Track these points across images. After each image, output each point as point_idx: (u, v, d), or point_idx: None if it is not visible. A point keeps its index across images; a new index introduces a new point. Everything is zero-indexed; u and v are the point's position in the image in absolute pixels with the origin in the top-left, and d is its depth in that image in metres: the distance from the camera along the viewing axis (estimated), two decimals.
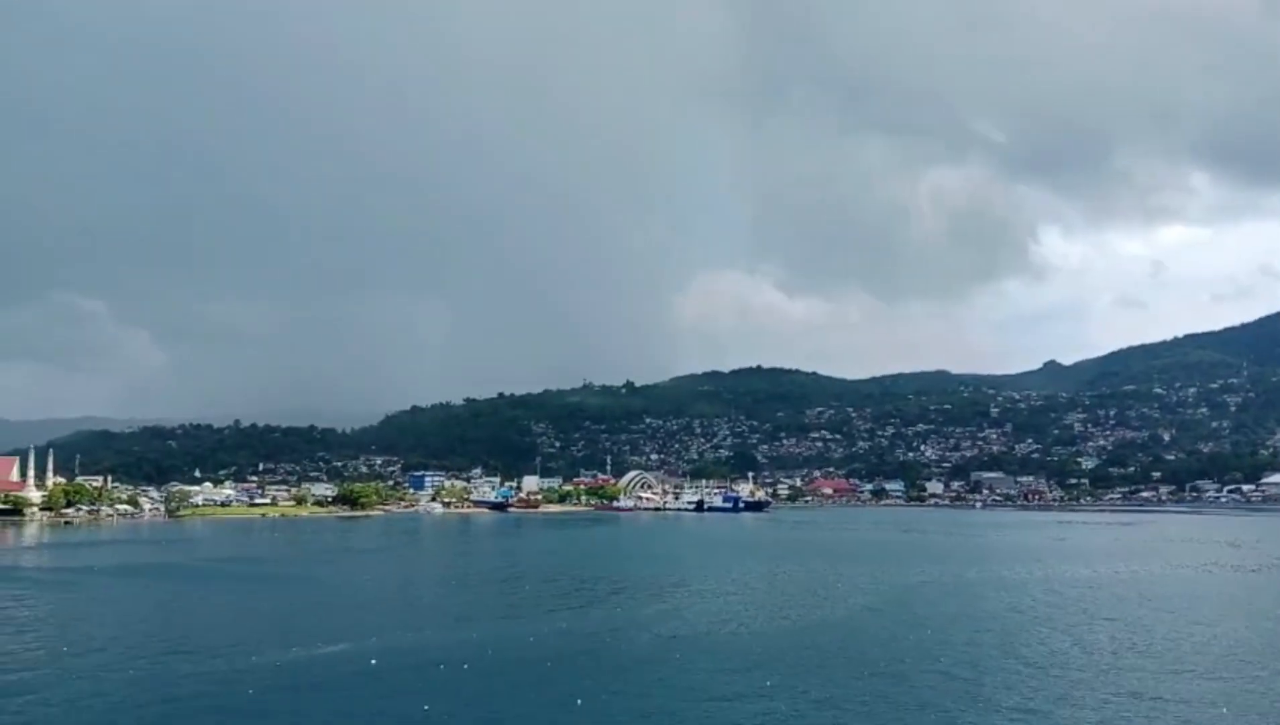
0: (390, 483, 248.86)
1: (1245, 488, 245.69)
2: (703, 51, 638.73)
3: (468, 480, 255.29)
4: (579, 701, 29.13)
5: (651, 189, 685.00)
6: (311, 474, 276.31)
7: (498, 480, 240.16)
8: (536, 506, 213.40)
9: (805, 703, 29.08)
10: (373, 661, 35.15)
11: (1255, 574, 69.33)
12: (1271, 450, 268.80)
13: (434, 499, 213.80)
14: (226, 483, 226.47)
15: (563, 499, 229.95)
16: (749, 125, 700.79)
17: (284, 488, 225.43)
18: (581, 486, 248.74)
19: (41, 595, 57.19)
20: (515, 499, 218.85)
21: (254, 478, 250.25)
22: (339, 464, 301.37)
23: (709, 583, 62.14)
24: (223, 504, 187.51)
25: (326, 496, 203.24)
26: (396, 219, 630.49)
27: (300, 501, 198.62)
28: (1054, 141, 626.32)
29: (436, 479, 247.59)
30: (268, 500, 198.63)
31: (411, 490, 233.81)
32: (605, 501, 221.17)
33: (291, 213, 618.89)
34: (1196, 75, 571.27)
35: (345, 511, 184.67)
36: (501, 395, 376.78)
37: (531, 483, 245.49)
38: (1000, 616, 46.84)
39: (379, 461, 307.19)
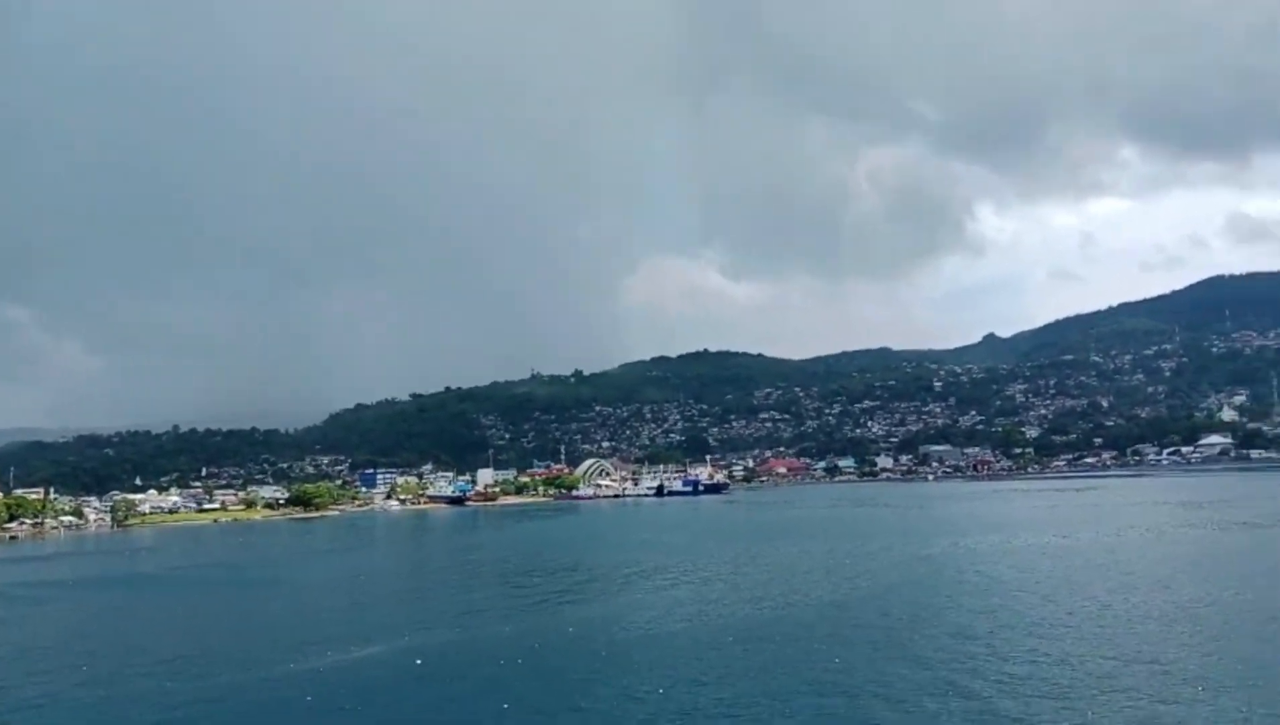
0: (339, 482, 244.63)
1: (1184, 450, 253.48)
2: (645, 39, 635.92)
3: (419, 476, 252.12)
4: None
5: (595, 177, 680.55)
6: (257, 477, 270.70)
7: (452, 474, 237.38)
8: (495, 499, 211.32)
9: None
10: (418, 661, 33.88)
11: (1225, 532, 70.83)
12: (1206, 412, 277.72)
13: (389, 496, 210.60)
14: (171, 489, 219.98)
15: (520, 490, 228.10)
16: (691, 112, 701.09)
17: (230, 492, 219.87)
18: (538, 477, 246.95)
19: (22, 611, 54.58)
20: (473, 492, 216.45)
21: (197, 483, 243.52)
22: (284, 465, 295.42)
23: (702, 567, 61.43)
24: (170, 511, 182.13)
25: (277, 498, 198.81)
26: (336, 215, 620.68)
27: (250, 504, 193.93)
28: (988, 120, 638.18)
29: (388, 476, 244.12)
30: (217, 505, 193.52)
31: (364, 488, 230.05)
32: (564, 491, 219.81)
33: (226, 212, 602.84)
34: (1125, 51, 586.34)
35: (298, 513, 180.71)
36: (449, 389, 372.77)
37: (486, 475, 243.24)
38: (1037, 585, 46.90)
39: (325, 461, 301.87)
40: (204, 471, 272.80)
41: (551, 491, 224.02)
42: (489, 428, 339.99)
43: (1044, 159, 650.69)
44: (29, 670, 37.32)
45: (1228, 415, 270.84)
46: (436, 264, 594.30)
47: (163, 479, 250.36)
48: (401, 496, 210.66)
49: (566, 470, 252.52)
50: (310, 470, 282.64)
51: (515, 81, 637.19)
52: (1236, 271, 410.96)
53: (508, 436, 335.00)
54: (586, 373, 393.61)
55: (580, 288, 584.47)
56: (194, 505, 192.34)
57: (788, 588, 49.56)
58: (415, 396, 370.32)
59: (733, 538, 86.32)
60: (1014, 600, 42.20)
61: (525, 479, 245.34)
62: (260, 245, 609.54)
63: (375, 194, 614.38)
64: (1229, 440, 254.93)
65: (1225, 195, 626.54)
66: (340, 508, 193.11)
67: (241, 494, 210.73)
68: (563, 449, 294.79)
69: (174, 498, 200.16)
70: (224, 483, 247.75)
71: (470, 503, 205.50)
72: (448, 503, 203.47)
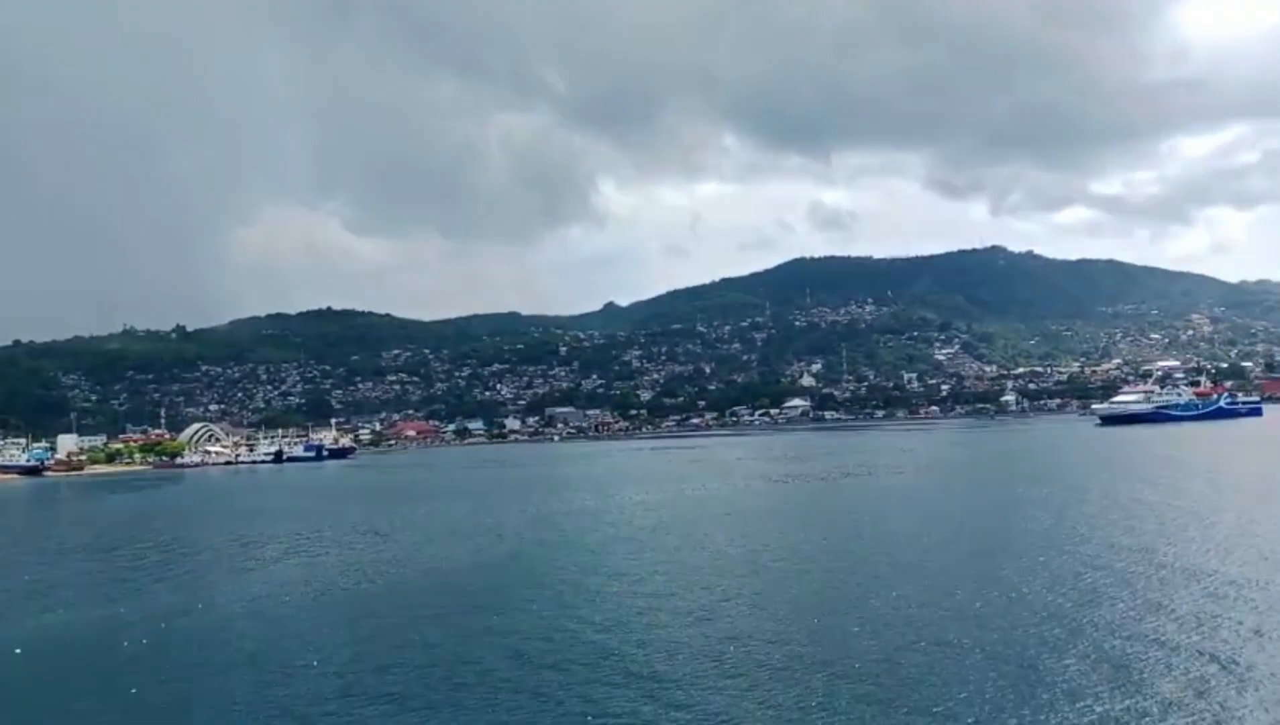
0: None
1: (773, 411, 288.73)
2: None
3: None
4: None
5: (203, 115, 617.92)
6: None
7: (25, 441, 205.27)
8: (81, 468, 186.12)
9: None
10: (17, 650, 29.13)
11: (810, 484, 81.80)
12: (790, 378, 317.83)
13: None
14: None
15: (112, 458, 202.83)
16: (312, 56, 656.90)
17: None
18: (134, 443, 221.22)
19: None
20: (53, 461, 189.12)
21: None
22: None
23: (324, 534, 59.19)
24: None
25: None
26: None
27: None
28: (611, 96, 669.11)
29: None
30: None
31: None
32: (167, 459, 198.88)
33: None
34: (729, 46, 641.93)
35: None
36: (19, 342, 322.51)
37: (69, 442, 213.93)
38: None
39: None
40: None
41: (151, 459, 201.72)
42: (71, 388, 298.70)
43: (660, 140, 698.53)
44: None
45: (807, 381, 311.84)
46: (6, 196, 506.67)
47: None
48: None
49: (168, 436, 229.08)
50: None
51: (114, 10, 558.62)
52: (816, 254, 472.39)
53: (95, 398, 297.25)
54: (190, 328, 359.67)
55: (183, 233, 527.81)
56: None
57: (442, 549, 49.38)
58: None
59: (364, 503, 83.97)
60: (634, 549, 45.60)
61: (118, 446, 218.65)
62: None
63: None
64: (808, 403, 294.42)
65: (808, 186, 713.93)
66: None
67: None
68: (163, 412, 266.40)
69: None
70: None
71: (50, 473, 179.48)
72: (21, 473, 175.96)
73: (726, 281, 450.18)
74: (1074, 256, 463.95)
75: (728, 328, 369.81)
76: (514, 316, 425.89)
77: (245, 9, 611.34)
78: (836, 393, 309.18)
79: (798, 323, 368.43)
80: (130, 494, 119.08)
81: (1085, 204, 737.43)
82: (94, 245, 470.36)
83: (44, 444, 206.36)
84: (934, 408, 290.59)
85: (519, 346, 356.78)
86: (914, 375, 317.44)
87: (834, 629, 27.65)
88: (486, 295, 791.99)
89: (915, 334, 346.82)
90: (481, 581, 39.08)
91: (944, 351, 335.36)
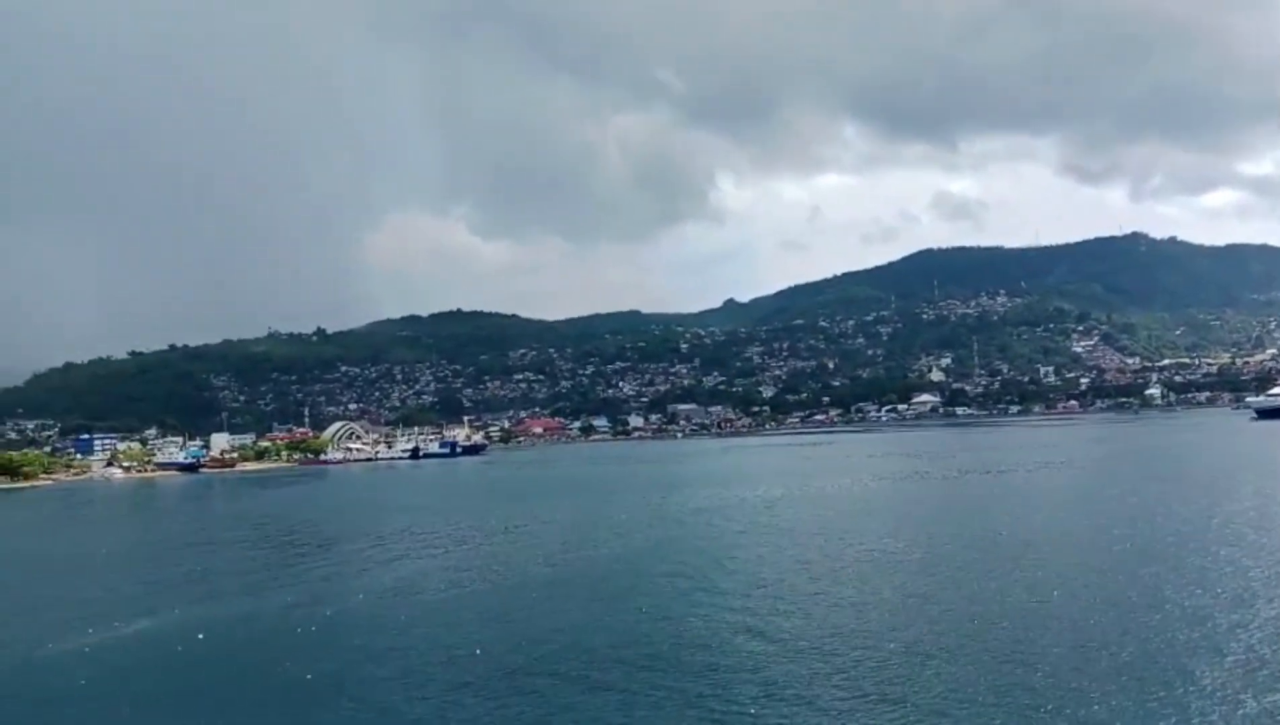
0: (48, 449, 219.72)
1: (900, 407, 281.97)
2: None
3: (143, 442, 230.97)
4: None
5: (337, 126, 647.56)
6: None
7: (182, 440, 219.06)
8: (233, 465, 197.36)
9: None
10: (200, 636, 31.39)
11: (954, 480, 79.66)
12: (917, 373, 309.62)
13: (110, 463, 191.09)
14: None
15: (261, 456, 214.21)
16: (434, 63, 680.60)
17: None
18: (280, 441, 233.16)
19: None
20: (208, 459, 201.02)
21: None
22: None
23: (478, 528, 61.02)
24: None
25: None
26: (39, 141, 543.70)
27: None
28: (728, 92, 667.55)
29: (108, 442, 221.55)
30: None
31: (79, 456, 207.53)
32: (311, 456, 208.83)
33: None
34: (847, 36, 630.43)
35: (3, 483, 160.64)
36: (174, 347, 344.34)
37: (222, 440, 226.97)
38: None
39: (30, 426, 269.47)
40: None
41: (297, 456, 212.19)
42: (221, 389, 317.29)
43: (778, 134, 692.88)
44: None
45: (936, 376, 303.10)
46: (159, 207, 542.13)
47: None
48: (125, 464, 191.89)
49: (311, 434, 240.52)
50: (12, 436, 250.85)
51: (252, 23, 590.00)
52: (943, 245, 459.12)
53: (243, 399, 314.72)
54: (330, 331, 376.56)
55: (322, 240, 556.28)
56: None
57: (580, 543, 50.35)
58: (135, 354, 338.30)
59: (502, 498, 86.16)
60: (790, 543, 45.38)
61: (266, 444, 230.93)
62: None
63: (90, 121, 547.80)
64: (937, 398, 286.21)
65: (933, 175, 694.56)
66: (53, 477, 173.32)
67: None
68: (306, 411, 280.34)
69: None
70: None
71: (206, 469, 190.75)
72: (179, 470, 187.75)
73: (849, 275, 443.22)
74: (1222, 241, 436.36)
75: (851, 322, 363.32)
76: (635, 315, 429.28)
77: (374, 23, 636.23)
78: (968, 388, 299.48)
79: (925, 316, 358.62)
80: (281, 489, 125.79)
81: (1233, 186, 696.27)
82: (241, 255, 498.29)
83: (199, 442, 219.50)
84: (1073, 402, 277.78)
85: (640, 344, 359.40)
86: (1050, 369, 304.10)
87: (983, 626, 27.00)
88: (607, 294, 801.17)
89: (1051, 326, 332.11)
90: (626, 576, 39.58)
91: (1082, 343, 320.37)
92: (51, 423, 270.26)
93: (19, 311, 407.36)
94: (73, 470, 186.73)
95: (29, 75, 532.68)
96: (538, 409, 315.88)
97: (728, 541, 47.19)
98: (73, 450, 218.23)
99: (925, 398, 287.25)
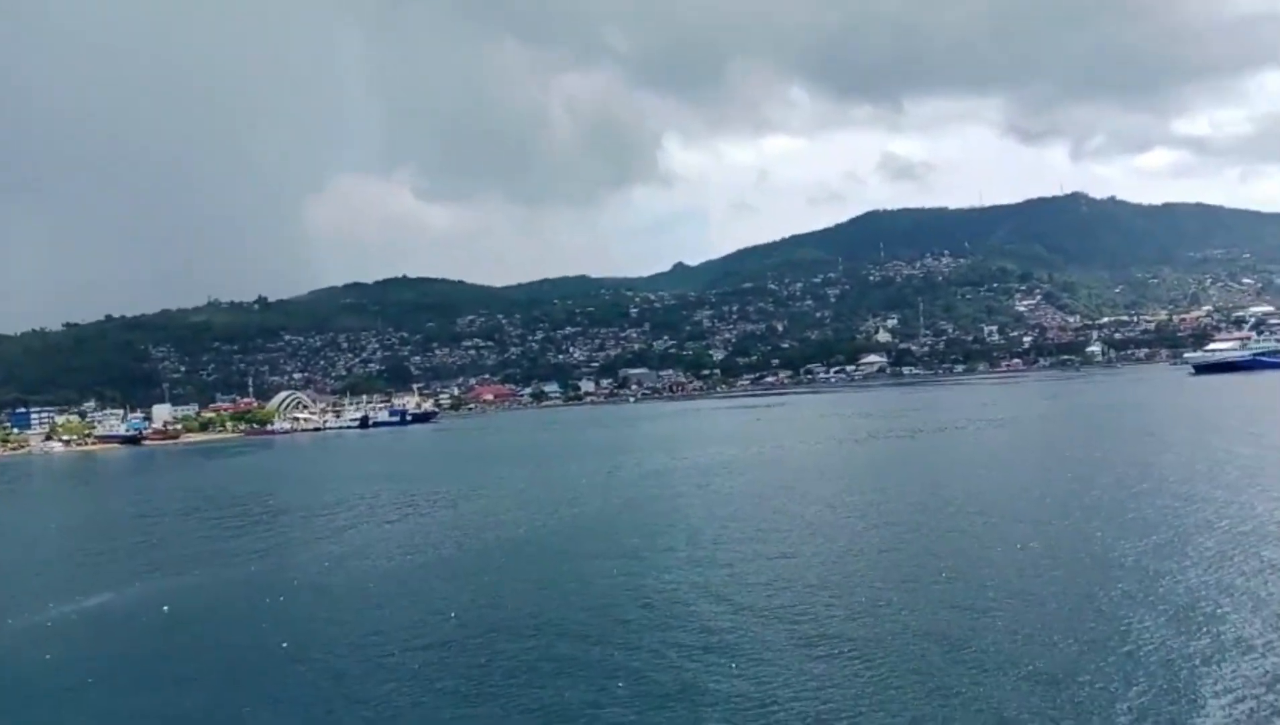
0: None
1: (849, 368, 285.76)
2: None
3: (82, 415, 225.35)
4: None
5: (273, 88, 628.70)
6: None
7: (123, 412, 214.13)
8: (177, 437, 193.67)
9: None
10: (165, 608, 31.04)
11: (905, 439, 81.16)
12: (865, 334, 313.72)
13: (49, 437, 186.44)
14: None
15: (205, 427, 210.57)
16: (376, 24, 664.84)
17: None
18: (225, 412, 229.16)
19: None
20: (150, 431, 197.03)
21: None
22: None
23: (435, 494, 60.79)
24: None
25: None
26: None
27: None
28: (675, 54, 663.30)
29: (46, 415, 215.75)
30: None
31: (15, 430, 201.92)
32: (257, 426, 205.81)
33: None
34: None
35: None
36: (110, 317, 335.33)
37: (163, 412, 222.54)
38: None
39: None
40: None
41: (243, 427, 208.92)
42: (161, 360, 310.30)
43: (726, 95, 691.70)
44: None
45: (883, 337, 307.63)
46: (90, 175, 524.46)
47: None
48: (65, 437, 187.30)
49: (257, 404, 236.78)
50: None
51: None
52: (889, 207, 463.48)
53: (184, 369, 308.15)
54: (272, 299, 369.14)
55: (260, 207, 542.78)
56: None
57: (540, 508, 50.40)
58: (70, 326, 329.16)
59: (458, 465, 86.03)
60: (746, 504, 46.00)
61: (210, 415, 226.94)
62: None
63: (21, 91, 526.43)
64: (884, 359, 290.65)
65: (879, 136, 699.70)
66: None
67: None
68: (250, 382, 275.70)
69: None
70: None
71: (149, 442, 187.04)
72: (121, 442, 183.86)
73: (796, 238, 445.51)
74: (1159, 201, 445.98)
75: (799, 285, 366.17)
76: (584, 280, 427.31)
77: None
78: (914, 348, 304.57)
79: (872, 278, 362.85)
80: (228, 460, 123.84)
81: (1169, 146, 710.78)
82: (177, 221, 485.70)
83: (140, 414, 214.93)
84: (1016, 361, 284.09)
85: (590, 309, 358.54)
86: (994, 328, 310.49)
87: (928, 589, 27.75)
88: (556, 259, 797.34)
89: (994, 286, 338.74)
90: (590, 540, 39.72)
91: (1025, 303, 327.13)
92: None
93: None
94: (10, 445, 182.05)
95: None
96: (487, 376, 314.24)
97: (687, 504, 47.59)
98: (9, 424, 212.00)
99: (873, 358, 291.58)
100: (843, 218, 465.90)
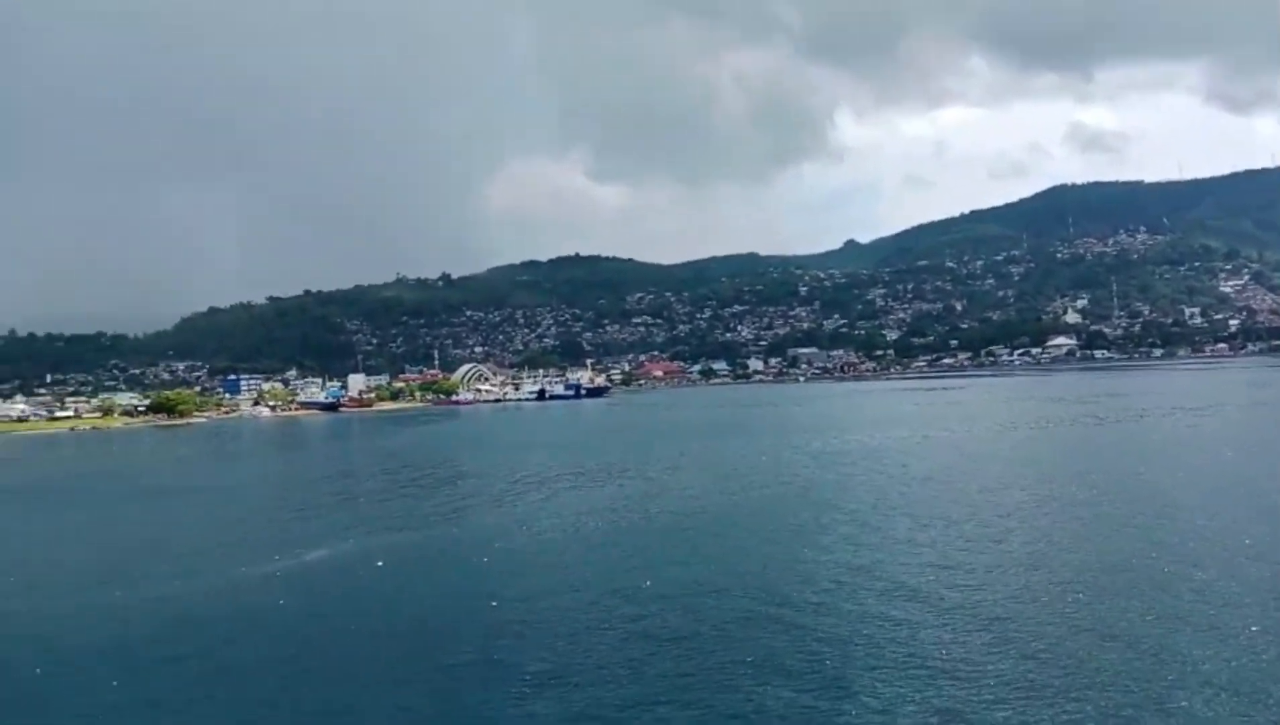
0: (198, 389, 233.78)
1: (1034, 351, 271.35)
2: None
3: (285, 383, 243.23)
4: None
5: (454, 73, 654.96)
6: (107, 384, 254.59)
7: (322, 381, 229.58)
8: (370, 405, 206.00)
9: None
10: (379, 563, 33.10)
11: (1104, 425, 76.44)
12: (1052, 315, 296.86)
13: (257, 403, 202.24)
14: (16, 397, 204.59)
15: (396, 396, 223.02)
16: (549, 9, 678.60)
17: (81, 399, 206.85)
18: (413, 382, 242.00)
19: None
20: (346, 398, 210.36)
21: (42, 391, 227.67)
22: (136, 372, 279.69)
23: (630, 466, 61.88)
24: (19, 419, 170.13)
25: (136, 406, 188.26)
26: (183, 107, 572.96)
27: (107, 412, 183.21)
28: (847, 26, 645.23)
29: (253, 382, 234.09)
30: (69, 413, 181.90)
31: (228, 395, 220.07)
32: (443, 396, 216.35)
33: (62, 93, 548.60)
34: None
35: (162, 420, 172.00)
36: (309, 292, 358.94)
37: (358, 381, 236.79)
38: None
39: (181, 367, 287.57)
40: (48, 378, 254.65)
41: (429, 397, 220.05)
42: (355, 332, 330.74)
43: (899, 67, 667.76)
44: None
45: (1071, 318, 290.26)
46: (292, 159, 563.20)
47: (3, 387, 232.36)
48: (271, 403, 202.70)
49: (442, 375, 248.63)
50: (166, 377, 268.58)
51: None
52: (1077, 180, 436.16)
53: (375, 342, 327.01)
54: (454, 276, 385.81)
55: (444, 188, 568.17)
56: (44, 414, 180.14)
57: (729, 483, 50.44)
58: (273, 300, 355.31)
59: (639, 439, 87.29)
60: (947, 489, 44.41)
61: (400, 384, 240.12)
62: (99, 132, 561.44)
63: (228, 86, 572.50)
64: (1074, 341, 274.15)
65: (1066, 106, 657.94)
66: (206, 415, 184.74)
67: (95, 401, 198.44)
68: (435, 354, 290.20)
69: (21, 406, 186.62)
70: (72, 390, 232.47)
71: (345, 409, 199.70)
72: (321, 409, 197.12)
73: (974, 213, 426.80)
74: None
75: (980, 262, 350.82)
76: (752, 257, 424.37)
77: None
78: (1106, 330, 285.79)
79: (1059, 255, 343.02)
80: (420, 427, 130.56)
81: None
82: (366, 203, 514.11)
83: (337, 383, 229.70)
84: (1221, 345, 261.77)
85: (758, 287, 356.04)
86: (1196, 310, 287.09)
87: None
88: (724, 236, 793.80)
89: (1196, 265, 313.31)
90: (784, 518, 39.32)
91: (1231, 283, 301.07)
92: (200, 364, 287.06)
93: (167, 261, 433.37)
94: (223, 409, 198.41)
95: (173, 39, 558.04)
96: (656, 352, 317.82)
97: (878, 488, 46.30)
98: (221, 390, 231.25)
99: (1061, 341, 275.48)
100: (1026, 192, 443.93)
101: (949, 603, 24.57)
